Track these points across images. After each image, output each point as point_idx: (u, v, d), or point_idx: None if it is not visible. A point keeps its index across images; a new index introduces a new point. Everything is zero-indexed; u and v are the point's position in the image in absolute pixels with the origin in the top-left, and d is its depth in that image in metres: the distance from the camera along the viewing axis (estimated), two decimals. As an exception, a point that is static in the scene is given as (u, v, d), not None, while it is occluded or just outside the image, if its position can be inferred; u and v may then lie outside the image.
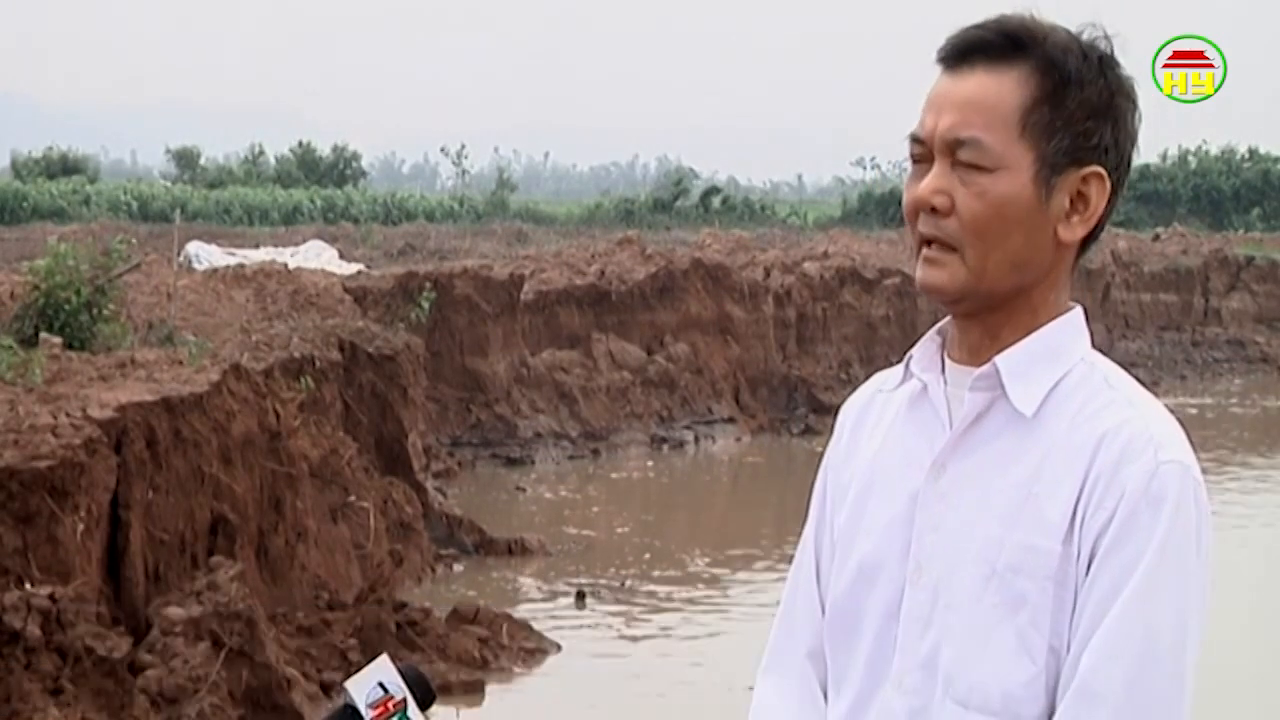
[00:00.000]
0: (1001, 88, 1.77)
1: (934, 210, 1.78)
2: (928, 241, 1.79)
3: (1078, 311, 1.84)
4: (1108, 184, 1.79)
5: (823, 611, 1.95)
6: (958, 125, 1.77)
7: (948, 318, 1.87)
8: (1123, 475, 1.71)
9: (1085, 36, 1.80)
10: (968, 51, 1.79)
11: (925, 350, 1.88)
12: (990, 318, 1.81)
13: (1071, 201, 1.78)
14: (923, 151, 1.81)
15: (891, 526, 1.85)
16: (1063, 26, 1.80)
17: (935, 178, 1.78)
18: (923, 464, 1.83)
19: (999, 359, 1.79)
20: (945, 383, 1.86)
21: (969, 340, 1.84)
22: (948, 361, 1.86)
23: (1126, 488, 1.70)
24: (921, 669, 1.80)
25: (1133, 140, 1.81)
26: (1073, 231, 1.79)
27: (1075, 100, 1.77)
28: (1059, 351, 1.80)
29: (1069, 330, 1.82)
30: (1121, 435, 1.73)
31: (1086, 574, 1.72)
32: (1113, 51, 1.81)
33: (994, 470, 1.78)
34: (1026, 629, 1.73)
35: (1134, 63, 1.85)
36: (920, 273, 1.81)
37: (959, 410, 1.82)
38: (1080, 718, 1.69)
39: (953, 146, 1.77)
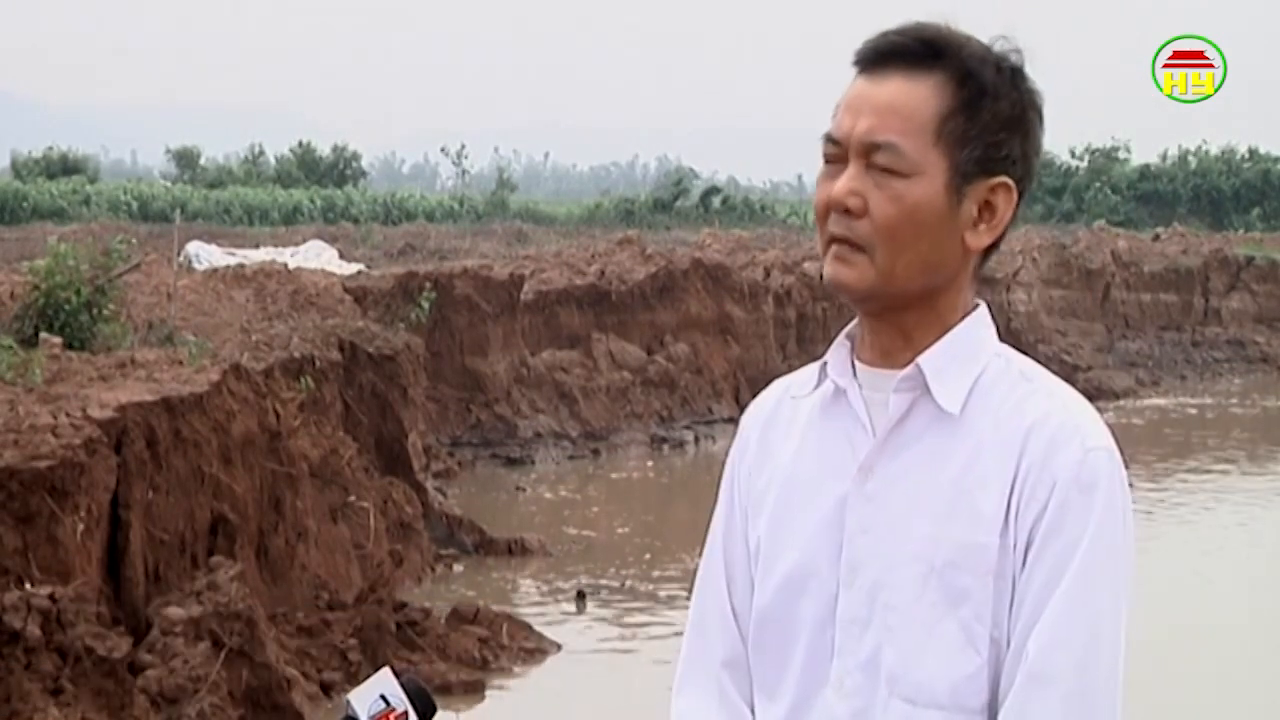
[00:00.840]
0: (918, 95, 1.80)
1: (847, 211, 1.81)
2: (837, 240, 1.82)
3: (983, 308, 1.88)
4: (1014, 194, 1.82)
5: (736, 621, 1.97)
6: (875, 129, 1.79)
7: (854, 322, 1.90)
8: (1053, 465, 1.75)
9: (998, 48, 1.83)
10: (886, 56, 1.82)
11: (838, 355, 1.90)
12: (900, 319, 1.84)
13: (979, 210, 1.81)
14: (837, 152, 1.83)
15: (819, 532, 1.86)
16: (977, 38, 1.83)
17: (850, 179, 1.81)
18: (846, 468, 1.85)
19: (921, 360, 1.82)
20: (859, 386, 1.88)
21: (880, 342, 1.86)
22: (858, 365, 1.89)
23: (1058, 477, 1.75)
24: (862, 670, 1.82)
25: (1039, 152, 1.85)
26: (979, 239, 1.82)
27: (989, 112, 1.80)
28: (974, 349, 1.84)
29: (979, 328, 1.86)
30: (1048, 426, 1.77)
31: (1023, 565, 1.76)
32: (1023, 65, 1.84)
33: (923, 469, 1.81)
34: (970, 622, 1.76)
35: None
36: (829, 270, 1.84)
37: (878, 413, 1.85)
38: (1032, 701, 1.72)
39: (869, 150, 1.80)
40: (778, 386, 2.02)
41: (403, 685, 1.95)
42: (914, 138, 1.78)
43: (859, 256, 1.81)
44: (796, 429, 1.94)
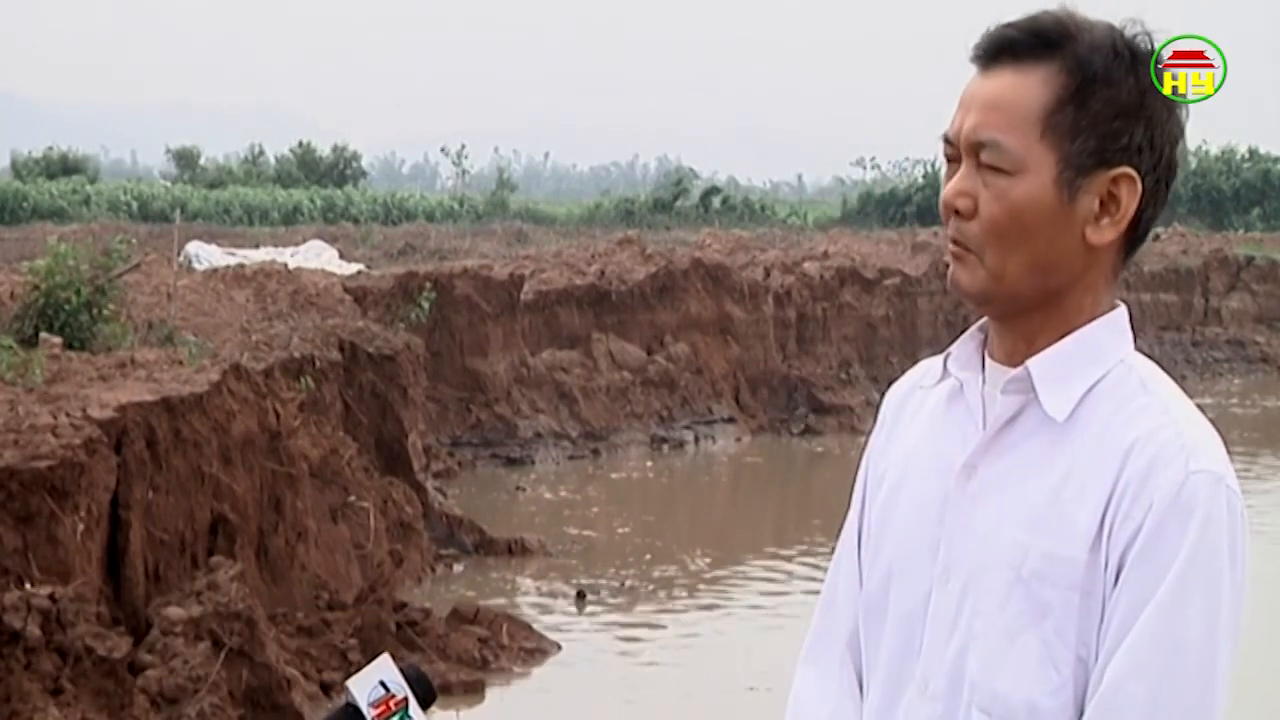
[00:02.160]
0: (1025, 88, 1.73)
1: (958, 213, 1.76)
2: (953, 242, 1.78)
3: (1119, 313, 1.80)
4: (1139, 185, 1.74)
5: None
6: (979, 127, 1.74)
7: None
8: (1151, 485, 1.67)
9: (1127, 33, 1.75)
10: (998, 50, 1.76)
11: (965, 348, 1.86)
12: (1023, 321, 1.78)
13: (1102, 203, 1.74)
14: (953, 151, 1.79)
15: (921, 527, 1.83)
16: (1103, 23, 1.75)
17: (960, 179, 1.76)
18: (955, 464, 1.81)
19: (1031, 363, 1.76)
20: (984, 381, 1.83)
21: (1005, 343, 1.81)
22: (988, 360, 1.84)
23: (1155, 498, 1.67)
24: (947, 674, 1.77)
25: (1172, 140, 1.77)
26: (1102, 234, 1.74)
27: (1101, 100, 1.73)
28: (1095, 354, 1.76)
29: (1108, 332, 1.78)
30: (1152, 443, 1.69)
31: (1115, 584, 1.68)
32: (1153, 48, 1.76)
33: (1024, 474, 1.75)
34: (1051, 638, 1.70)
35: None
36: (950, 272, 1.79)
37: (994, 411, 1.80)
38: None
39: (976, 148, 1.75)
40: (920, 368, 1.96)
41: (402, 672, 1.95)
42: (1017, 133, 1.72)
43: (971, 258, 1.76)
44: (922, 416, 1.89)
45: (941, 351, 1.91)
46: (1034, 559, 1.71)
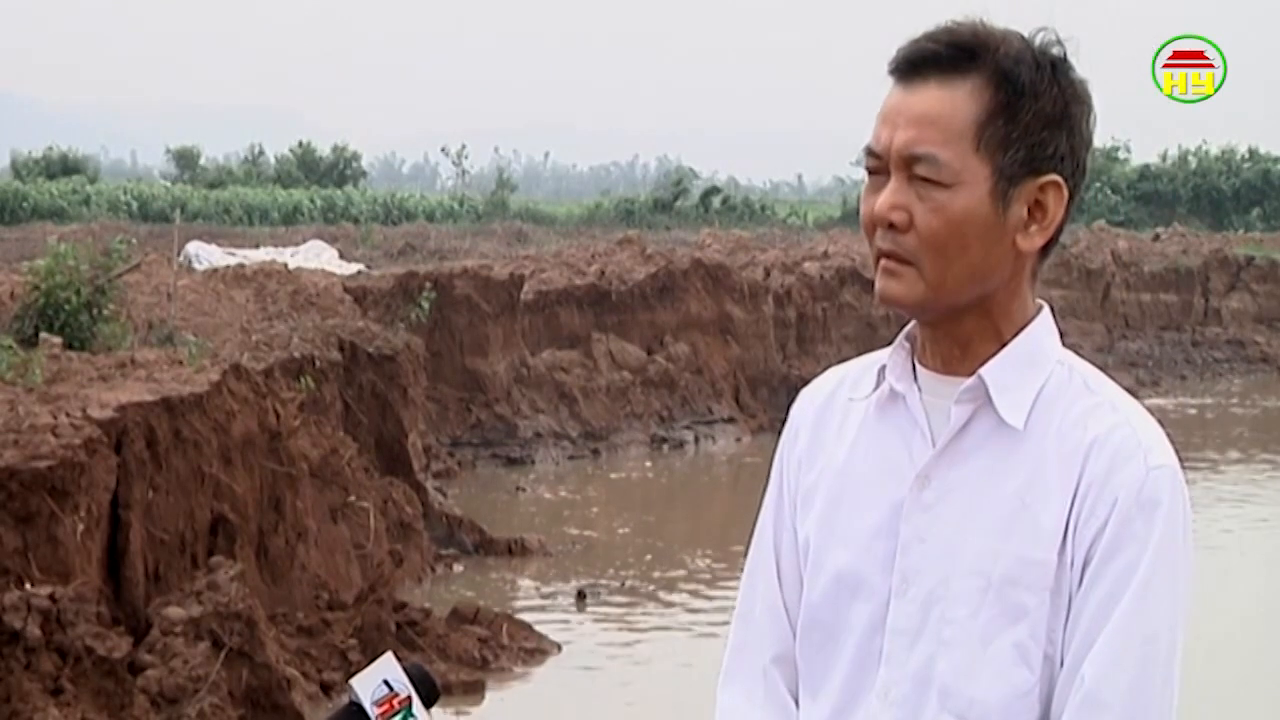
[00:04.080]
0: (955, 102, 1.75)
1: (891, 226, 1.77)
2: (885, 255, 1.78)
3: (1046, 313, 1.83)
4: (1065, 191, 1.77)
5: (787, 614, 1.93)
6: (913, 141, 1.75)
7: (912, 323, 1.86)
8: (1114, 482, 1.72)
9: (1038, 41, 1.77)
10: (920, 64, 1.77)
11: (896, 358, 1.86)
12: (956, 327, 1.80)
13: (1030, 211, 1.76)
14: (878, 164, 1.80)
15: (871, 538, 1.82)
16: (1015, 33, 1.77)
17: (892, 193, 1.77)
18: (903, 474, 1.81)
19: (984, 372, 1.77)
20: (919, 390, 1.84)
21: (939, 350, 1.83)
22: (920, 369, 1.85)
23: (1119, 495, 1.71)
24: (911, 681, 1.78)
25: (1088, 144, 1.79)
26: (1031, 241, 1.77)
27: (1029, 112, 1.75)
28: (1037, 357, 1.80)
29: (1042, 335, 1.81)
30: (1111, 442, 1.73)
31: (1080, 582, 1.72)
32: (1065, 55, 1.78)
33: (983, 482, 1.77)
34: (1025, 640, 1.73)
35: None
36: (879, 285, 1.80)
37: (937, 418, 1.81)
38: None
39: (909, 162, 1.76)
40: (831, 378, 1.98)
41: (406, 670, 1.96)
42: (953, 147, 1.74)
43: (907, 270, 1.77)
44: (850, 426, 1.89)
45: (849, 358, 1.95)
46: (1005, 564, 1.74)
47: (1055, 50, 1.78)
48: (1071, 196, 1.78)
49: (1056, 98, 1.76)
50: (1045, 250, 1.80)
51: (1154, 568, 1.70)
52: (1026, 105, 1.75)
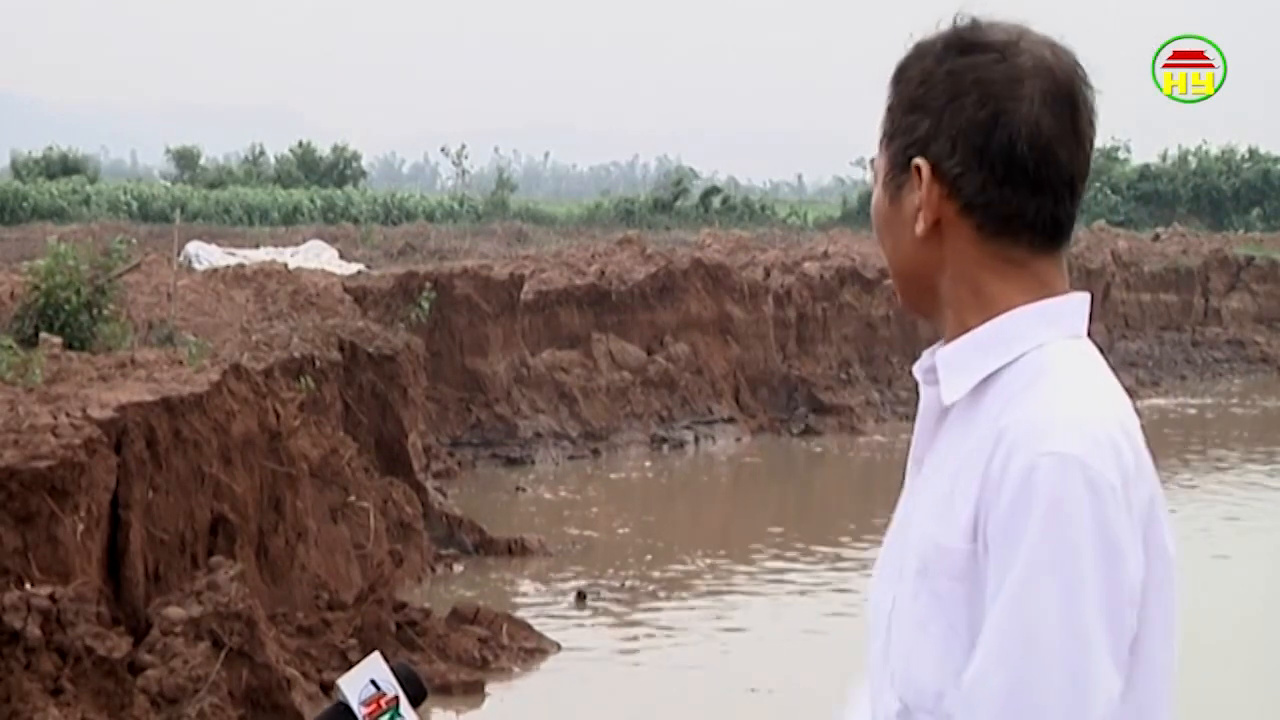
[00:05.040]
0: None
1: None
2: None
3: (1055, 301, 1.75)
4: (929, 173, 1.73)
5: None
6: None
7: None
8: (1009, 471, 1.63)
9: (942, 26, 1.77)
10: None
11: (930, 348, 1.88)
12: (936, 319, 1.82)
13: (921, 199, 1.77)
14: None
15: (893, 528, 1.86)
16: (951, 29, 1.77)
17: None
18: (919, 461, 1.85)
19: (939, 354, 1.79)
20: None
21: (945, 339, 1.85)
22: None
23: (1007, 484, 1.63)
24: (879, 663, 1.80)
25: (975, 122, 1.71)
26: (919, 226, 1.75)
27: (898, 99, 1.78)
28: (1007, 341, 1.73)
29: (1016, 323, 1.74)
30: (1015, 428, 1.65)
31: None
32: (967, 36, 1.75)
33: (941, 464, 1.76)
34: (948, 629, 1.68)
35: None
36: None
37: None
38: None
39: None
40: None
41: (393, 670, 1.96)
42: (878, 145, 1.81)
43: None
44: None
45: None
46: (927, 549, 1.71)
47: (960, 29, 1.76)
48: (979, 176, 1.71)
49: (915, 79, 1.76)
50: (995, 232, 1.73)
51: (1035, 561, 1.59)
52: (899, 91, 1.78)
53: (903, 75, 1.77)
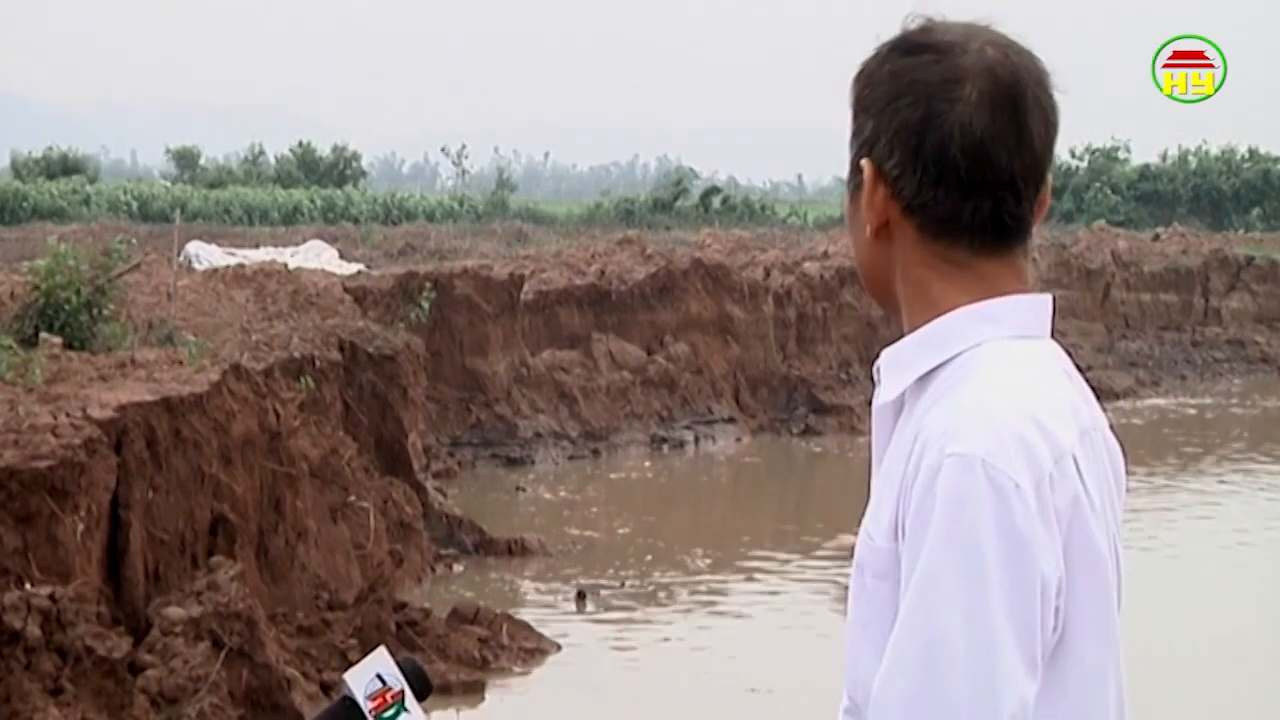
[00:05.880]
0: None
1: None
2: None
3: (997, 301, 1.73)
4: (869, 173, 1.73)
5: None
6: None
7: None
8: (920, 471, 1.62)
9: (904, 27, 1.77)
10: None
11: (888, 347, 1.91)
12: (897, 316, 1.81)
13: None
14: None
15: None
16: (900, 31, 1.77)
17: None
18: None
19: (884, 352, 1.78)
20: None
21: None
22: None
23: (917, 484, 1.62)
24: (844, 663, 1.78)
25: (910, 124, 1.70)
26: (867, 227, 1.76)
27: (853, 100, 1.78)
28: (944, 341, 1.72)
29: (972, 320, 1.72)
30: (932, 428, 1.64)
31: None
32: (911, 36, 1.74)
33: (884, 466, 1.75)
34: (884, 628, 1.64)
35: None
36: None
37: None
38: None
39: None
40: None
41: (398, 664, 1.97)
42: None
43: None
44: None
45: None
46: (864, 549, 1.71)
47: (905, 31, 1.75)
48: (918, 177, 1.70)
49: (863, 84, 1.77)
50: (941, 234, 1.72)
51: (937, 563, 1.57)
52: (853, 93, 1.78)
53: (857, 77, 1.78)
